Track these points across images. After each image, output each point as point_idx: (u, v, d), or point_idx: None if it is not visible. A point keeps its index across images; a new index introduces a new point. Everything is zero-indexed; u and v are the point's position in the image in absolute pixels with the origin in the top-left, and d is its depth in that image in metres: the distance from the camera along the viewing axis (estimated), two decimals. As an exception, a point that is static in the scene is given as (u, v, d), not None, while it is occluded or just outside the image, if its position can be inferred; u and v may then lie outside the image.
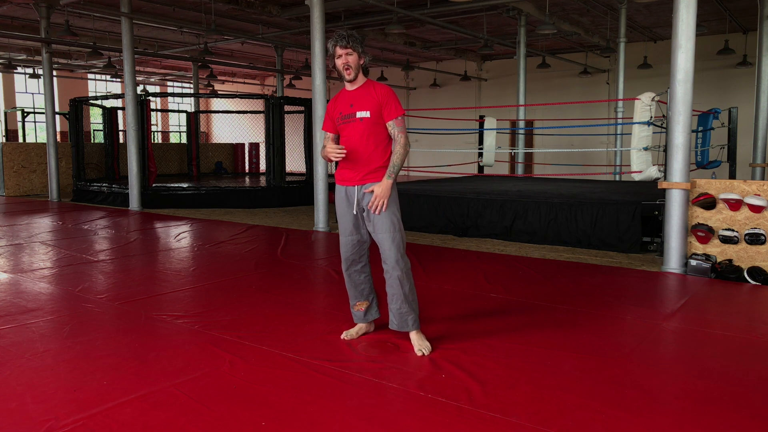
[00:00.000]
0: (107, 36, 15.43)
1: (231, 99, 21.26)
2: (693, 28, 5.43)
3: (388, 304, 3.50)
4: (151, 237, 7.86)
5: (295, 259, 6.29)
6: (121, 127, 14.87)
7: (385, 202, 3.32)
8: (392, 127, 3.37)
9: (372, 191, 3.35)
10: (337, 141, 3.53)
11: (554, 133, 17.65)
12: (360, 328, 3.70)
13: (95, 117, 21.30)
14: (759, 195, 5.33)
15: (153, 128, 15.82)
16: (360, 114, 3.37)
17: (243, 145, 17.28)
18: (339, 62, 3.37)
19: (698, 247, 5.61)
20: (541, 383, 3.00)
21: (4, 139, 20.90)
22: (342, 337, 3.65)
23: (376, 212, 3.34)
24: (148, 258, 6.42)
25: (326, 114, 3.56)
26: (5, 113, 20.82)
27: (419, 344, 3.44)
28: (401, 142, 3.35)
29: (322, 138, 8.06)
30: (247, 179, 14.62)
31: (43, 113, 15.77)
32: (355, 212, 3.44)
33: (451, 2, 10.67)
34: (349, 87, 3.46)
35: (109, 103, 15.77)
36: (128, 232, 8.18)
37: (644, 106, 7.66)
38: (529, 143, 19.06)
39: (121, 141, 14.55)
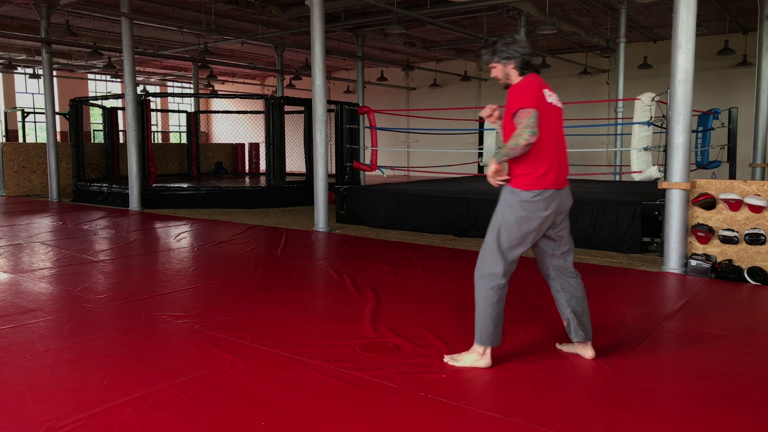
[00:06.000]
0: (107, 36, 15.42)
1: (231, 99, 21.26)
2: (693, 28, 5.42)
3: None
4: (151, 237, 7.86)
5: (295, 259, 6.29)
6: (121, 127, 14.87)
7: (494, 181, 3.15)
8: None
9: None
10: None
11: (554, 133, 17.60)
12: (572, 345, 3.46)
13: (95, 117, 21.30)
14: (759, 195, 5.33)
15: (153, 128, 15.81)
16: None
17: (243, 145, 17.29)
18: None
19: (698, 247, 5.61)
20: (541, 383, 3.00)
21: (4, 139, 20.89)
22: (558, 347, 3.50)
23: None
24: (148, 258, 6.42)
25: None
26: (5, 113, 20.80)
27: (458, 357, 3.28)
28: (516, 132, 3.03)
29: (321, 138, 8.11)
30: (247, 179, 14.63)
31: (43, 113, 15.75)
32: None
33: (451, 2, 10.67)
34: None
35: (109, 103, 15.76)
36: (128, 232, 8.18)
37: (644, 106, 7.65)
38: (529, 143, 19.02)
39: (121, 141, 14.56)
